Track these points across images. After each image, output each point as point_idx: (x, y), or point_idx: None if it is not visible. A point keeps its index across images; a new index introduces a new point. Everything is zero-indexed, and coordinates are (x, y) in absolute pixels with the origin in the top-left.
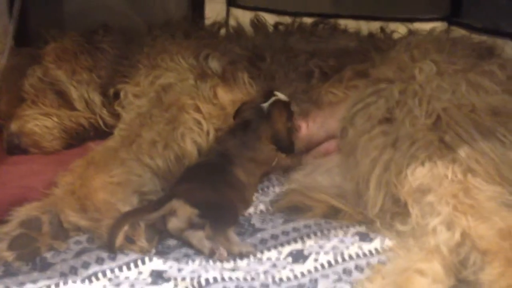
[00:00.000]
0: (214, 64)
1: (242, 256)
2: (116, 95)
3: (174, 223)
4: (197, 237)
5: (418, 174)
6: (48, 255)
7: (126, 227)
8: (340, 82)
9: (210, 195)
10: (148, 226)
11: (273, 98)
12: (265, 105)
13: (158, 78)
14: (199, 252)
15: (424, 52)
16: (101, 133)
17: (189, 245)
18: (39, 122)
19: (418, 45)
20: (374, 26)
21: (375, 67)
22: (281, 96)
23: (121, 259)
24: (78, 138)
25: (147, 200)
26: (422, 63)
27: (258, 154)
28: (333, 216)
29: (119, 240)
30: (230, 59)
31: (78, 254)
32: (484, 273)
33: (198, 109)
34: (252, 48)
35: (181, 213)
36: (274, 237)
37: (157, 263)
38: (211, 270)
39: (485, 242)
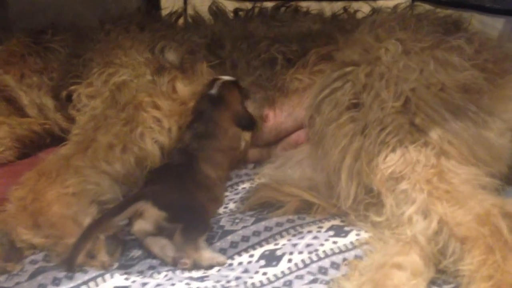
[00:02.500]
0: (171, 56)
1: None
2: (70, 98)
3: (140, 226)
4: (159, 245)
5: (390, 161)
6: (1, 278)
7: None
8: (305, 68)
9: (179, 197)
10: (108, 237)
11: (218, 82)
12: (213, 91)
13: (112, 76)
14: (163, 261)
15: (389, 31)
16: (59, 139)
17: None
18: None
19: (382, 24)
20: (338, 6)
21: (340, 50)
22: (225, 77)
23: (80, 278)
24: (32, 147)
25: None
26: (387, 43)
27: (222, 141)
28: (306, 211)
29: (80, 257)
30: (188, 49)
31: (33, 275)
32: (464, 262)
33: (156, 106)
34: (211, 35)
35: (148, 215)
36: (245, 239)
37: (119, 280)
38: (178, 283)
39: (463, 229)
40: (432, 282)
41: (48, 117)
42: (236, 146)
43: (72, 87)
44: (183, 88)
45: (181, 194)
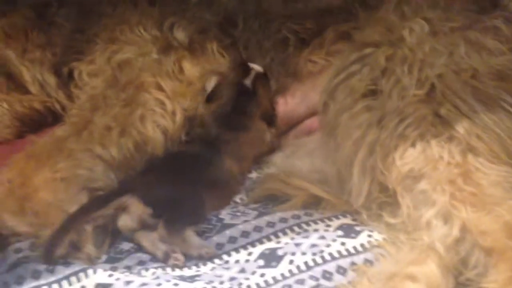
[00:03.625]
0: (180, 34)
1: (202, 259)
2: (72, 75)
3: (125, 221)
4: (150, 239)
5: (408, 157)
6: None
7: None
8: (321, 48)
9: (169, 192)
10: (96, 228)
11: (253, 72)
12: (248, 82)
13: (116, 54)
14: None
15: (416, 9)
16: (60, 118)
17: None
18: None
19: (409, 1)
20: None
21: (360, 28)
22: (256, 67)
23: (61, 271)
24: (33, 125)
25: None
26: (412, 22)
27: (252, 135)
28: (314, 206)
29: (62, 248)
30: (198, 28)
31: (14, 266)
32: (488, 278)
33: (160, 87)
34: (223, 13)
35: (133, 210)
36: (244, 234)
37: (102, 276)
38: (164, 282)
39: (488, 239)
40: None
41: (50, 95)
42: (262, 140)
43: (74, 64)
44: (191, 69)
45: (172, 187)
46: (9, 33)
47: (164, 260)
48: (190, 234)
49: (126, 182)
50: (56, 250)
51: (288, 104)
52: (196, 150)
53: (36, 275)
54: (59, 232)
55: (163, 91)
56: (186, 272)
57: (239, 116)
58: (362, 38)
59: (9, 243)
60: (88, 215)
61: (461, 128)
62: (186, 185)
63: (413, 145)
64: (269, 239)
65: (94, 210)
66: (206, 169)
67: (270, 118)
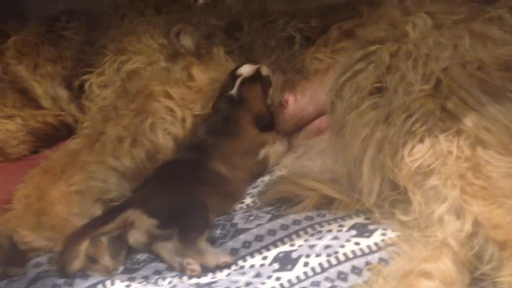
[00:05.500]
0: (187, 41)
1: (220, 268)
2: (83, 88)
3: (135, 237)
4: (167, 249)
5: (417, 153)
6: (2, 284)
7: (85, 245)
8: (326, 46)
9: (170, 199)
10: (111, 240)
11: (238, 80)
12: (233, 91)
13: (125, 64)
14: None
15: (418, 3)
16: (74, 131)
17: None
18: (1, 126)
19: None
20: None
21: (364, 25)
22: (246, 71)
23: (80, 284)
24: (48, 140)
25: None
26: (416, 16)
27: (241, 143)
28: (326, 207)
29: (79, 261)
30: (204, 33)
31: (33, 281)
32: (502, 272)
33: (169, 95)
34: (228, 17)
35: (139, 224)
36: (258, 238)
37: (119, 287)
38: None
39: (501, 232)
40: None
41: (63, 108)
42: (255, 151)
43: (85, 77)
44: (200, 75)
45: (174, 194)
46: (20, 49)
47: (180, 270)
48: (204, 245)
49: (128, 197)
50: (71, 264)
51: (298, 102)
52: (187, 156)
53: None
54: (67, 248)
55: (172, 99)
56: (203, 279)
57: (226, 122)
58: (366, 35)
59: (28, 258)
60: (94, 231)
61: (469, 121)
62: (185, 191)
63: (421, 140)
64: (283, 242)
65: (100, 226)
66: (194, 172)
67: (265, 122)
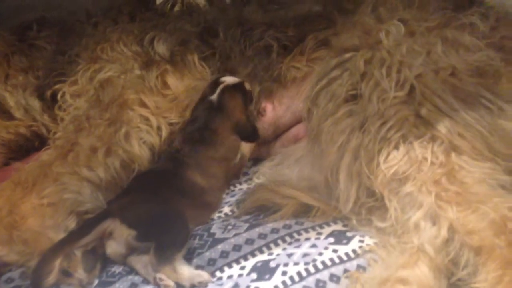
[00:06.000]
0: (161, 48)
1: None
2: (56, 98)
3: (112, 248)
4: (142, 262)
5: (392, 160)
6: None
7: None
8: (302, 55)
9: (150, 210)
10: (86, 253)
11: (220, 87)
12: (214, 97)
13: (98, 73)
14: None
15: (391, 10)
16: (47, 142)
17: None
18: None
19: (385, 2)
20: None
21: (338, 34)
22: (229, 80)
23: None
24: (20, 151)
25: None
26: (389, 24)
27: (218, 150)
28: (305, 214)
29: (52, 276)
30: (179, 39)
31: None
32: (478, 278)
33: (144, 104)
34: (203, 23)
35: (118, 235)
36: (236, 248)
37: None
38: None
39: (476, 237)
40: None
41: (36, 119)
42: (232, 157)
43: (57, 86)
44: (175, 83)
45: (152, 205)
46: None
47: (155, 284)
48: (180, 264)
49: (106, 207)
50: (45, 279)
51: (275, 110)
52: (165, 167)
53: None
54: (43, 263)
55: (147, 107)
56: None
57: (202, 131)
58: (340, 43)
59: (0, 274)
60: (72, 245)
61: (443, 127)
62: (163, 202)
63: (396, 147)
64: (261, 251)
65: (78, 239)
66: (170, 182)
67: (245, 132)
